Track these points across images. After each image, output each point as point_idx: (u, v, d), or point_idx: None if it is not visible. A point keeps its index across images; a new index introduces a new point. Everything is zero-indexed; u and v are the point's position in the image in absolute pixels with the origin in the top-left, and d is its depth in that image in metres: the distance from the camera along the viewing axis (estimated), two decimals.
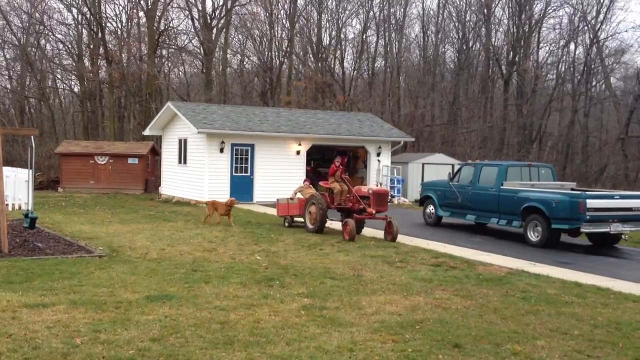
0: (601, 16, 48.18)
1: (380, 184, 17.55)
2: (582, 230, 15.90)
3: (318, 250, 14.15)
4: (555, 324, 8.60)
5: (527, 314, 9.11)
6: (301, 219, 18.21)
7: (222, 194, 24.83)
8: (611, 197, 16.32)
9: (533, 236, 16.48)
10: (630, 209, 16.07)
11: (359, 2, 47.57)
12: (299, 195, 18.97)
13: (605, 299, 10.24)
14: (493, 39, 48.20)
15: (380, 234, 16.85)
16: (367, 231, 17.47)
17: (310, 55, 47.72)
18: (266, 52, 46.85)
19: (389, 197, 16.88)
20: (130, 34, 45.39)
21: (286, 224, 18.50)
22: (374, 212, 16.24)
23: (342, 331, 7.82)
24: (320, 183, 18.35)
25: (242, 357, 6.76)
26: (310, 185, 19.58)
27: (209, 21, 43.17)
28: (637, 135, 49.84)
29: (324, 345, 7.20)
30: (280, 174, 26.05)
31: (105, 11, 45.81)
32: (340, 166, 17.69)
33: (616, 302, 10.09)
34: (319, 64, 46.66)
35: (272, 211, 22.34)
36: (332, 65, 48.44)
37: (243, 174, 25.59)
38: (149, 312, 8.40)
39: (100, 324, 7.77)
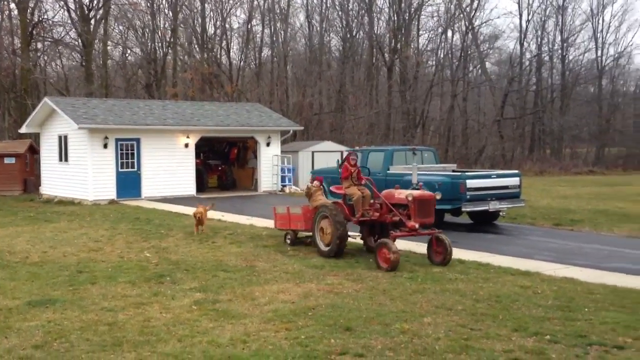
0: (475, 3, 50.48)
1: (420, 186, 12.80)
2: (463, 209, 16.64)
3: (210, 244, 14.00)
4: (441, 300, 8.98)
5: (414, 293, 9.45)
6: (307, 233, 13.74)
7: (108, 191, 24.04)
8: (489, 176, 17.19)
9: None
10: (506, 187, 16.99)
11: None
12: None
13: (486, 274, 10.80)
14: (375, 28, 49.35)
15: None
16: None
17: (196, 46, 46.92)
18: (149, 43, 45.59)
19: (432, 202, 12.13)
20: (1, 26, 42.72)
21: (288, 241, 13.84)
22: (417, 226, 11.63)
23: (235, 323, 7.81)
24: (332, 189, 13.86)
25: (132, 357, 6.60)
26: (322, 187, 14.17)
27: (86, 12, 41.36)
28: (512, 117, 52.80)
29: (217, 338, 7.16)
30: (169, 168, 25.51)
31: None
32: (357, 165, 13.45)
33: (496, 276, 10.67)
34: (205, 55, 45.98)
35: (162, 206, 21.88)
36: (219, 56, 47.87)
37: (129, 170, 24.82)
38: (31, 318, 8.02)
39: None
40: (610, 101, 56.96)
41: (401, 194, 12.06)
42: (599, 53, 56.14)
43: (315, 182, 14.17)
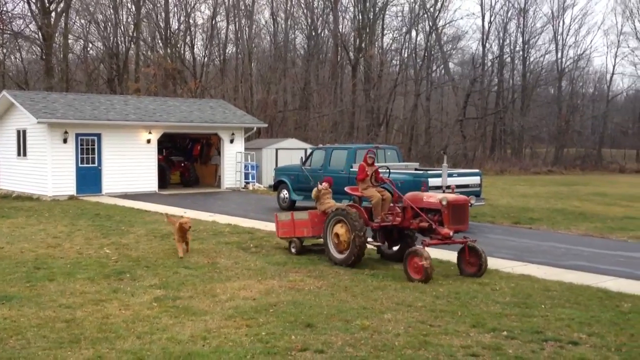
0: (439, 4, 50.96)
1: (452, 189, 11.71)
2: None
3: (172, 240, 13.86)
4: (401, 297, 9.07)
5: (375, 290, 9.53)
6: (318, 240, 12.75)
7: (67, 187, 23.63)
8: (450, 175, 17.37)
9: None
10: (467, 186, 17.21)
11: None
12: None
13: (445, 271, 10.95)
14: (340, 26, 49.46)
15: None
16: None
17: (159, 41, 46.38)
18: (111, 38, 44.91)
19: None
20: None
21: (293, 250, 12.49)
22: (450, 233, 10.55)
23: (195, 320, 7.77)
24: (347, 189, 12.45)
25: (89, 354, 6.51)
26: (330, 190, 13.07)
27: (47, 5, 40.60)
28: (474, 117, 53.48)
29: (177, 335, 7.11)
30: (131, 164, 25.19)
31: None
32: (375, 164, 12.22)
33: (455, 273, 10.81)
34: (169, 50, 45.49)
35: (123, 202, 21.62)
36: (182, 52, 47.42)
37: (90, 165, 24.43)
38: None
39: None
40: (569, 102, 58.07)
41: (431, 197, 11.04)
42: (559, 55, 57.22)
43: (324, 184, 12.97)
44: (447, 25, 53.49)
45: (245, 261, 11.63)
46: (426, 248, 10.25)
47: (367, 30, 48.72)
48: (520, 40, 55.95)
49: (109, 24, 44.96)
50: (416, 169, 18.99)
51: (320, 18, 49.39)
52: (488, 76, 55.16)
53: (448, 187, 11.73)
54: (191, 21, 47.65)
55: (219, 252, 12.47)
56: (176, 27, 47.10)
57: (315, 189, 12.93)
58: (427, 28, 51.14)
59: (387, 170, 12.43)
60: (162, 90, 41.55)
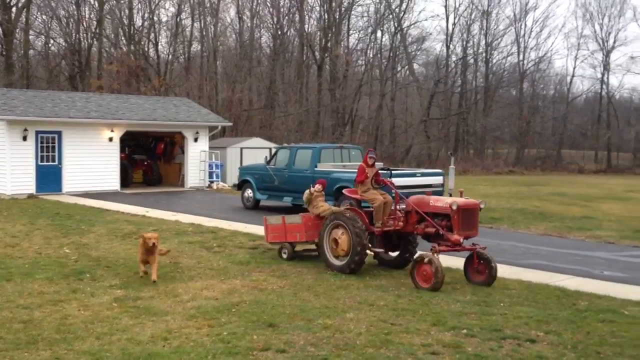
0: (404, 5, 51.34)
1: (461, 193, 10.93)
2: None
3: (133, 240, 13.71)
4: (363, 296, 9.13)
5: (338, 289, 9.57)
6: (310, 246, 12.17)
7: (27, 185, 23.17)
8: (413, 175, 17.57)
9: None
10: (430, 185, 17.38)
11: None
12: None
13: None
14: (306, 26, 49.47)
15: None
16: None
17: (122, 38, 45.78)
18: (74, 34, 44.17)
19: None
20: None
21: (284, 256, 11.89)
22: (460, 239, 9.97)
23: (156, 320, 7.70)
24: (346, 192, 11.78)
25: (47, 356, 6.41)
26: (323, 192, 12.28)
27: (7, 0, 39.73)
28: (438, 118, 54.01)
29: (137, 336, 7.04)
30: (92, 163, 24.80)
31: None
32: (375, 165, 11.48)
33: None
34: (132, 47, 44.93)
35: (84, 201, 21.29)
36: (146, 49, 46.88)
37: (50, 163, 23.99)
38: None
39: None
40: (530, 104, 59.08)
41: (439, 201, 10.41)
42: (521, 57, 58.17)
43: (317, 186, 12.12)
44: (412, 26, 53.99)
45: (208, 261, 11.57)
46: (436, 255, 9.64)
47: (333, 30, 48.82)
48: (483, 42, 56.76)
49: (71, 20, 44.22)
50: (380, 169, 19.09)
51: (286, 17, 49.31)
52: (452, 77, 55.79)
53: (461, 192, 10.81)
54: (155, 18, 47.19)
55: (182, 252, 12.38)
56: (140, 24, 46.56)
57: (307, 191, 12.15)
58: (392, 29, 51.50)
59: (388, 171, 11.72)
60: (125, 88, 41.02)
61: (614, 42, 60.90)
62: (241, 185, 21.28)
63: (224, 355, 6.47)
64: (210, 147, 28.71)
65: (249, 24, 49.05)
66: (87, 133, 24.95)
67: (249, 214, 19.25)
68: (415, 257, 10.05)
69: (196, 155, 27.96)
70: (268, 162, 20.35)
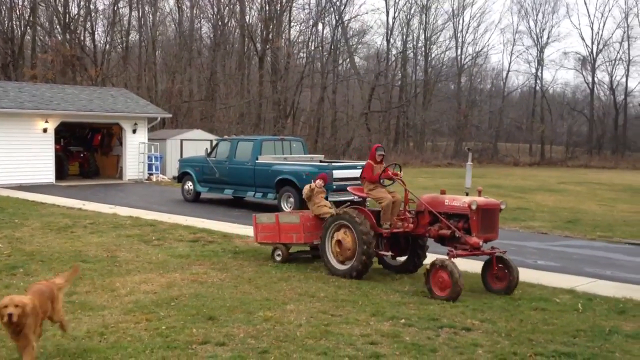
0: None
1: (479, 192, 9.63)
2: (330, 199, 16.98)
3: (69, 234, 13.39)
4: (304, 288, 9.16)
5: (279, 281, 9.58)
6: (303, 248, 11.43)
7: None
8: (354, 167, 17.71)
9: (286, 207, 17.30)
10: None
11: None
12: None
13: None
14: (247, 17, 49.12)
15: None
16: None
17: (57, 26, 44.42)
18: (6, 22, 42.64)
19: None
20: None
21: (277, 258, 11.02)
22: (480, 243, 9.04)
23: (92, 315, 7.55)
24: (350, 189, 10.88)
25: None
26: (324, 188, 11.47)
27: None
28: (378, 110, 54.58)
29: (73, 331, 6.88)
30: (26, 154, 24.08)
31: None
32: (383, 162, 10.52)
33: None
34: (68, 36, 43.66)
35: (17, 194, 20.63)
36: (82, 38, 45.65)
37: None
38: None
39: None
40: (468, 98, 60.35)
41: (455, 200, 9.44)
42: (459, 52, 59.36)
43: (319, 181, 11.26)
44: (353, 19, 54.36)
45: (147, 254, 11.39)
46: (453, 260, 8.81)
47: (275, 21, 48.59)
48: (422, 37, 57.59)
49: (4, 7, 42.72)
50: (321, 161, 19.21)
51: (227, 8, 48.83)
52: (392, 71, 56.42)
53: (479, 191, 9.70)
54: (92, 6, 45.99)
55: (119, 246, 12.14)
56: (76, 12, 45.32)
57: (307, 187, 11.20)
58: (334, 22, 51.66)
59: (397, 165, 10.63)
60: (60, 78, 39.89)
61: (548, 38, 62.97)
62: (181, 177, 21.03)
63: (162, 350, 6.39)
64: (149, 139, 28.24)
65: (188, 14, 48.38)
66: (20, 124, 24.19)
67: (189, 207, 19.04)
68: (431, 262, 8.99)
69: (135, 147, 27.47)
70: (209, 155, 20.16)
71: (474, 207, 9.02)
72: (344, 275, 9.83)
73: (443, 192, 9.75)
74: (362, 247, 9.62)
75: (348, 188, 11.07)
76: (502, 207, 9.40)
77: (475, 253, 9.15)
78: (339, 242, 9.95)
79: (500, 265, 9.22)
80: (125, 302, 8.18)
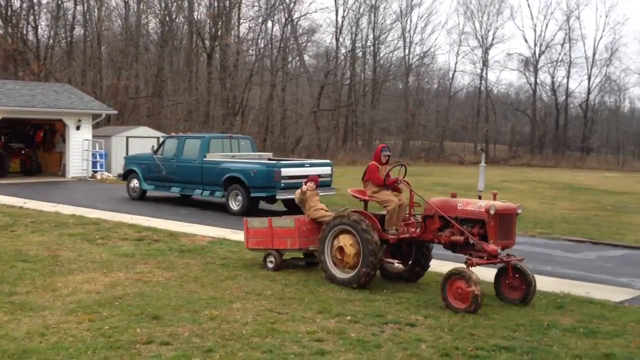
0: None
1: (494, 196, 8.94)
2: (278, 197, 17.06)
3: (9, 232, 13.03)
4: (251, 286, 9.16)
5: (226, 279, 9.54)
6: (297, 255, 10.79)
7: None
8: (302, 165, 17.77)
9: (234, 205, 17.23)
10: (319, 176, 17.59)
11: None
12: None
13: (297, 260, 11.15)
14: (196, 13, 48.55)
15: None
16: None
17: None
18: None
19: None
20: None
21: (269, 265, 10.32)
22: (498, 250, 8.43)
23: (33, 316, 7.38)
24: (350, 191, 10.10)
25: None
26: (317, 191, 10.77)
27: None
28: (327, 109, 54.81)
29: (12, 332, 6.73)
30: None
31: None
32: (389, 163, 9.92)
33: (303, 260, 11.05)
34: (9, 30, 42.38)
35: None
36: (25, 32, 44.36)
37: None
38: None
39: None
40: (415, 97, 61.13)
41: (470, 204, 8.83)
42: (407, 52, 60.01)
43: (310, 184, 10.60)
44: (302, 17, 54.28)
45: (90, 253, 11.19)
46: (472, 269, 8.26)
47: (223, 18, 48.19)
48: (371, 36, 58.02)
49: None
50: (269, 159, 19.20)
51: (175, 3, 48.15)
52: (341, 69, 56.68)
53: (494, 195, 9.06)
54: (35, 0, 44.69)
55: (62, 244, 11.89)
56: (18, 6, 43.96)
57: (298, 191, 10.63)
58: (283, 19, 51.58)
59: (402, 166, 9.97)
60: (1, 73, 38.66)
61: (493, 39, 64.21)
62: (127, 175, 20.68)
63: (105, 350, 6.30)
64: (94, 136, 27.68)
65: (135, 9, 47.52)
66: None
67: (135, 205, 18.76)
68: (448, 271, 8.43)
69: (78, 144, 26.87)
70: (155, 152, 19.88)
71: (492, 211, 8.40)
72: (347, 284, 9.18)
73: (454, 196, 9.23)
74: (368, 258, 8.94)
75: (349, 190, 10.27)
76: (519, 211, 8.83)
77: (493, 261, 8.55)
78: (340, 249, 9.28)
79: (516, 275, 8.73)
80: (67, 302, 8.02)
